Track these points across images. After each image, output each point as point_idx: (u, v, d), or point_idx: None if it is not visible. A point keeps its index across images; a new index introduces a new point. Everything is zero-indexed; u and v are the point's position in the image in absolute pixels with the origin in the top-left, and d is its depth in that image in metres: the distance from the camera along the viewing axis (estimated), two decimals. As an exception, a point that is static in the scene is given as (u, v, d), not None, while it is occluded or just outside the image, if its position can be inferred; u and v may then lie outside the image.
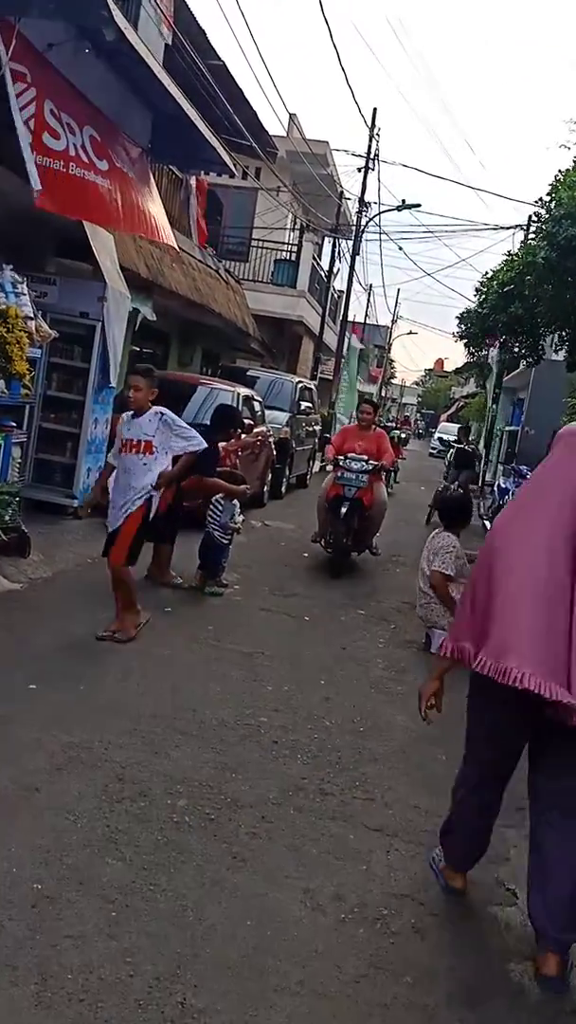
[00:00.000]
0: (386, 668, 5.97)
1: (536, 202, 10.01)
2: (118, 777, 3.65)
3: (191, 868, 3.09)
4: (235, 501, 7.36)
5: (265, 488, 12.22)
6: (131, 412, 5.67)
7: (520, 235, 14.67)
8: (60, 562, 7.01)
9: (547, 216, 9.77)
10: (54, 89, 6.33)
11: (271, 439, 12.05)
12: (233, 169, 9.29)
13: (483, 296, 13.88)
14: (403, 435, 16.18)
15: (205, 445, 5.97)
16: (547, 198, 9.77)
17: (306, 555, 9.29)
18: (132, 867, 3.03)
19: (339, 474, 8.76)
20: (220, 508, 7.22)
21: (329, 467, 9.42)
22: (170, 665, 5.18)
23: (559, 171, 10.02)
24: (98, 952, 2.59)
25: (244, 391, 11.27)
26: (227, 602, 6.96)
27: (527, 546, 2.78)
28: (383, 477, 9.81)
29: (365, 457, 8.72)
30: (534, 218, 10.65)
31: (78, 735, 3.96)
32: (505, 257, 13.32)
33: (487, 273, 13.88)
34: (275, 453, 12.34)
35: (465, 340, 15.95)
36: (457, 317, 15.73)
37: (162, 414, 5.63)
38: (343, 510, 8.52)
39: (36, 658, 4.85)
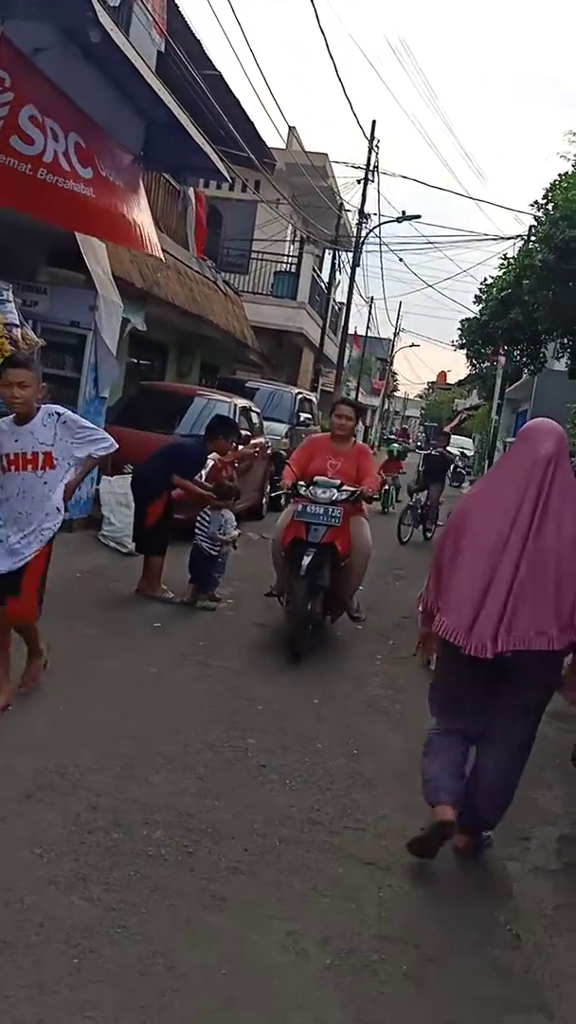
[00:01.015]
0: (382, 686, 5.72)
1: (532, 205, 9.86)
2: (92, 806, 3.41)
3: (164, 908, 2.85)
4: (224, 512, 7.13)
5: (264, 500, 12.01)
6: (12, 416, 4.22)
7: (521, 245, 14.53)
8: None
9: (544, 218, 9.61)
10: (38, 94, 6.17)
11: (270, 451, 11.84)
12: (227, 176, 9.12)
13: (483, 303, 13.74)
14: (400, 447, 15.22)
15: (116, 446, 4.62)
16: (543, 201, 9.62)
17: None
18: (99, 907, 2.79)
19: (301, 508, 6.01)
20: (208, 518, 7.00)
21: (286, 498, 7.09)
22: (156, 684, 4.95)
23: (558, 175, 9.87)
24: (56, 1005, 2.35)
25: (241, 402, 11.08)
26: (219, 617, 6.73)
27: (481, 519, 3.34)
28: (364, 506, 6.71)
29: (338, 482, 6.14)
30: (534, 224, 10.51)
31: (52, 760, 3.73)
32: (502, 261, 13.17)
33: (486, 280, 13.74)
34: (274, 465, 12.13)
35: (465, 348, 15.77)
36: (459, 324, 15.56)
37: (58, 415, 4.28)
38: (305, 561, 5.81)
39: (15, 677, 4.61)
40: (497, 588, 3.20)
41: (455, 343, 16.14)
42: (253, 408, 11.73)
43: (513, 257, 12.64)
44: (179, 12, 9.57)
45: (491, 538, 3.23)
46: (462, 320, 15.25)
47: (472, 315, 14.87)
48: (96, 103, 7.11)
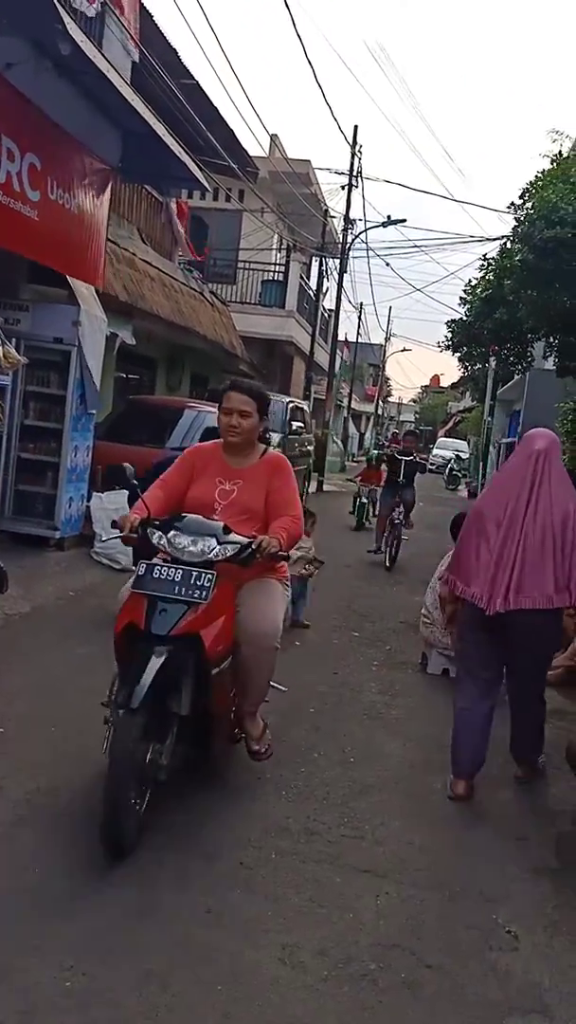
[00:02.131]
0: (380, 692, 5.70)
1: (510, 206, 9.88)
2: (84, 828, 3.38)
3: (158, 926, 2.83)
4: None
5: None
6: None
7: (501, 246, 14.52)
8: (40, 596, 6.77)
9: (523, 218, 9.62)
10: (1, 111, 6.20)
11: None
12: (206, 185, 9.14)
13: (467, 304, 13.76)
14: (379, 454, 13.90)
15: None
16: (520, 201, 9.64)
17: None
18: (92, 929, 2.77)
19: (143, 570, 3.47)
20: None
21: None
22: (150, 699, 4.92)
23: (535, 174, 9.88)
24: (50, 1029, 2.33)
25: (230, 413, 11.06)
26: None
27: (492, 505, 4.09)
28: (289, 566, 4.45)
29: (221, 524, 3.61)
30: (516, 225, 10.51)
31: (44, 782, 3.71)
32: (482, 262, 13.19)
33: (471, 281, 13.78)
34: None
35: (452, 349, 15.77)
36: (447, 327, 15.54)
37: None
38: (147, 673, 3.20)
39: (6, 699, 4.60)
40: (506, 558, 3.94)
41: (441, 344, 16.16)
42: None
43: (493, 258, 12.65)
44: (154, 22, 9.59)
45: (500, 519, 3.99)
46: (448, 321, 15.28)
47: (460, 316, 14.90)
48: (71, 116, 7.13)
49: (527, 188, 9.60)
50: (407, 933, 3.01)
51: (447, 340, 15.45)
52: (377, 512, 12.04)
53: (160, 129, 7.43)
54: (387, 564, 10.64)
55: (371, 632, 7.31)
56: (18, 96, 6.43)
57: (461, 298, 13.88)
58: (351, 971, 2.76)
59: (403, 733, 4.98)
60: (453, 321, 15.00)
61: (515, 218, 9.62)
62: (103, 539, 8.10)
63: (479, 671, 4.23)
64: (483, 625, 4.04)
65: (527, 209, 9.49)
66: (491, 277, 12.24)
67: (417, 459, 11.67)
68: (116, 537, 3.76)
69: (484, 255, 13.14)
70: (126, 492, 8.39)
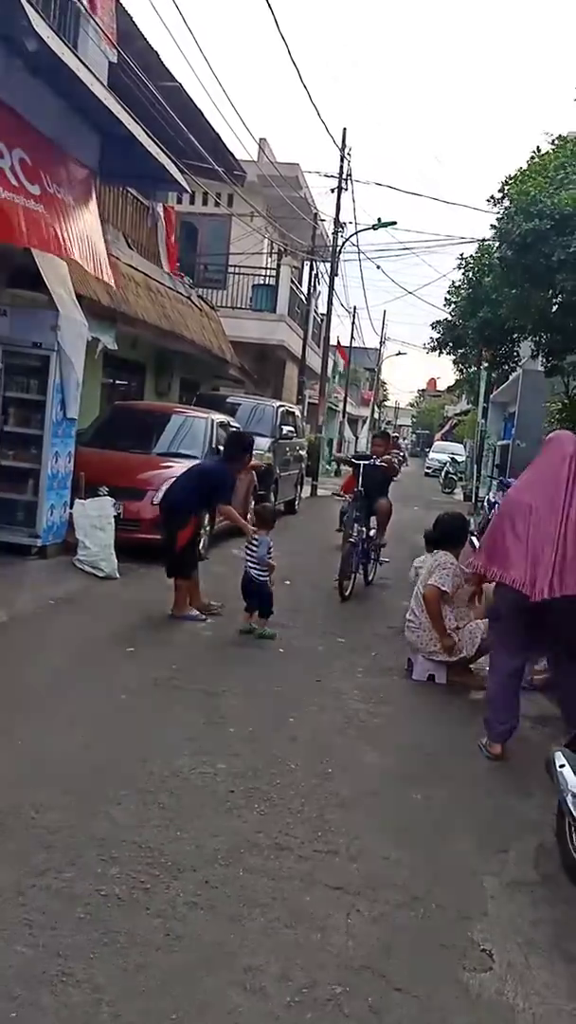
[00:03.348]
0: (362, 700, 5.57)
1: (489, 200, 9.72)
2: (45, 846, 3.26)
3: (114, 952, 2.70)
4: (269, 534, 7.06)
5: (248, 516, 11.86)
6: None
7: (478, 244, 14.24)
8: (19, 605, 6.65)
9: (501, 214, 9.47)
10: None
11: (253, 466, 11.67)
12: (187, 187, 9.04)
13: (452, 304, 13.62)
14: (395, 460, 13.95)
15: None
16: (499, 195, 9.50)
17: (288, 583, 8.89)
18: (45, 954, 2.64)
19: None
20: (256, 542, 6.89)
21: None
22: (124, 712, 4.80)
23: (516, 169, 9.75)
24: (-10, 1066, 2.20)
25: (219, 417, 10.97)
26: (195, 637, 6.58)
27: (529, 499, 4.61)
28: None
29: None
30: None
31: (7, 799, 3.58)
32: (459, 261, 13.04)
33: (454, 282, 13.66)
34: (257, 480, 11.99)
35: (438, 349, 15.64)
36: (432, 328, 15.43)
37: None
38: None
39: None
40: (547, 549, 4.41)
41: (427, 346, 16.03)
42: (232, 423, 11.60)
43: (471, 256, 12.49)
44: (133, 23, 9.49)
45: (537, 514, 4.50)
46: (433, 323, 15.17)
47: (446, 317, 14.77)
48: (46, 118, 7.01)
49: (506, 183, 9.45)
50: (377, 954, 2.89)
51: (432, 341, 15.33)
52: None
53: (137, 130, 7.33)
54: (344, 594, 8.44)
55: (357, 638, 7.18)
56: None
57: (446, 298, 13.77)
58: (316, 996, 2.63)
59: (384, 743, 4.85)
60: (438, 322, 14.87)
61: (496, 218, 9.48)
62: (86, 546, 7.98)
63: (514, 647, 4.80)
64: (521, 607, 4.52)
65: (506, 204, 9.34)
66: (470, 275, 12.10)
67: (377, 462, 9.47)
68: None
69: (461, 254, 12.93)
70: (109, 499, 8.33)
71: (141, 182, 9.52)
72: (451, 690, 6.02)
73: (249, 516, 11.80)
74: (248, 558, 6.89)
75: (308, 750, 4.58)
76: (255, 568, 6.83)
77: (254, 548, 6.86)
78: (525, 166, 9.62)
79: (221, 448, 10.05)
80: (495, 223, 9.73)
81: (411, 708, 5.61)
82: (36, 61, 5.99)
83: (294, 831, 3.64)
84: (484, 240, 11.73)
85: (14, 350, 7.66)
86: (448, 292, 13.65)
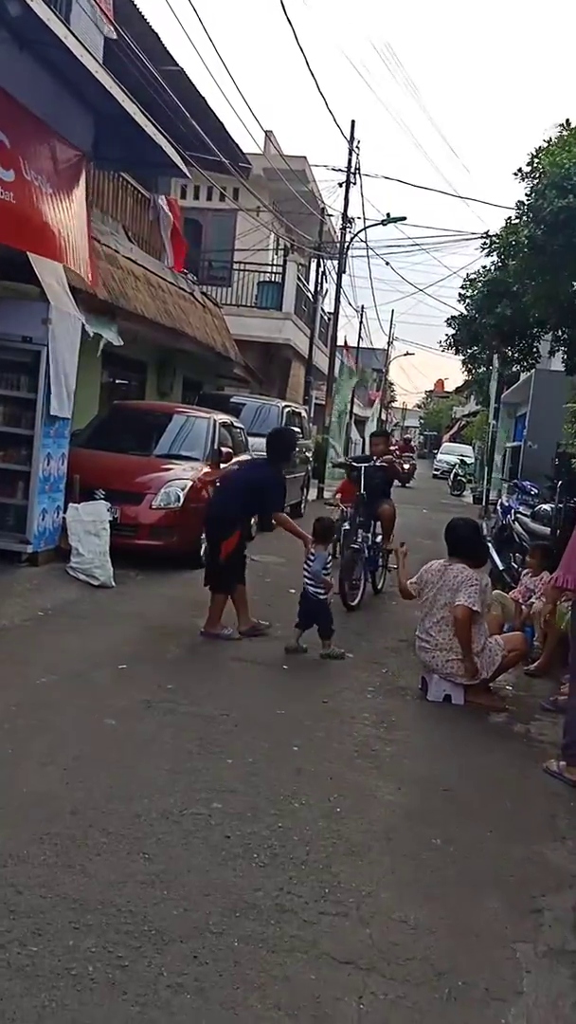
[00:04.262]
0: (373, 724, 5.11)
1: (516, 174, 9.09)
2: (9, 908, 2.81)
3: (80, 1054, 2.25)
4: (328, 549, 6.69)
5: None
6: None
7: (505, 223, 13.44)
8: (4, 617, 6.21)
9: (529, 189, 8.85)
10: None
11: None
12: (186, 172, 8.58)
13: (467, 299, 13.02)
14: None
15: None
16: (527, 168, 8.88)
17: (292, 591, 8.42)
18: (-4, 1060, 2.19)
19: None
20: (312, 557, 6.49)
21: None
22: (111, 741, 4.34)
23: (544, 140, 9.12)
24: None
25: (222, 418, 10.52)
26: (192, 653, 6.13)
27: None
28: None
29: None
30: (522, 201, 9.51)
31: (-31, 847, 3.13)
32: (485, 241, 12.37)
33: (468, 276, 13.05)
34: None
35: (453, 347, 15.07)
36: (447, 324, 14.81)
37: None
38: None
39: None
40: None
41: (442, 344, 15.44)
42: (236, 424, 11.16)
43: (496, 235, 11.83)
44: (133, 4, 9.04)
45: None
46: (448, 318, 14.57)
47: (460, 313, 14.17)
48: (36, 97, 6.56)
49: (535, 155, 8.81)
50: (395, 1051, 2.43)
51: (448, 338, 14.75)
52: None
53: (132, 108, 6.88)
54: (350, 604, 7.91)
55: (367, 652, 6.72)
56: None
57: (460, 293, 13.18)
58: None
59: (399, 775, 4.39)
60: (453, 317, 14.28)
61: (525, 193, 8.83)
62: (79, 553, 7.54)
63: None
64: None
65: (534, 179, 8.71)
66: (495, 258, 11.46)
67: (378, 462, 8.99)
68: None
69: (486, 232, 12.16)
70: (104, 503, 7.89)
71: (138, 166, 9.06)
72: (469, 713, 5.56)
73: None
74: (304, 574, 6.48)
75: (314, 784, 4.12)
76: (311, 584, 6.40)
77: (310, 563, 6.44)
78: (556, 136, 8.95)
79: (223, 450, 9.65)
80: (523, 199, 9.11)
81: (426, 734, 5.15)
82: (20, 30, 5.55)
83: (298, 887, 3.19)
84: (510, 219, 11.07)
85: (2, 344, 7.23)
86: (462, 286, 13.06)
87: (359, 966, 2.78)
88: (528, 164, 8.93)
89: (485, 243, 12.20)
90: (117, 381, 12.83)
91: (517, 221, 10.48)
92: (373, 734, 4.94)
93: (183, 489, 8.51)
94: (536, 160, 8.75)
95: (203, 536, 7.16)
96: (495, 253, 11.66)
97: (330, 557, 6.76)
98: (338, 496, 10.78)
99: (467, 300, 13.13)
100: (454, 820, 3.96)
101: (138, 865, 3.19)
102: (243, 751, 4.40)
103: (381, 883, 3.30)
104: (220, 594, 6.60)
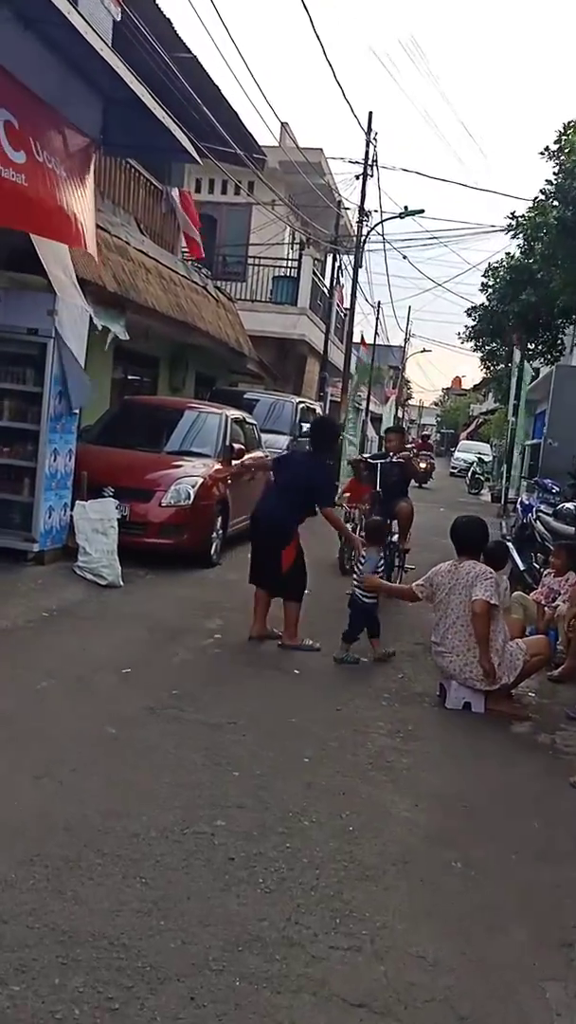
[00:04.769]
0: (389, 733, 4.85)
1: (543, 153, 8.77)
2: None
3: None
4: (379, 551, 6.47)
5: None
6: None
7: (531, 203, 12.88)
8: (6, 618, 5.99)
9: (557, 167, 8.53)
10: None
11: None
12: (196, 157, 8.32)
13: (489, 288, 12.65)
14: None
15: None
16: (555, 147, 8.57)
17: (307, 592, 8.17)
18: None
19: None
20: (364, 559, 6.27)
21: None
22: (110, 750, 4.11)
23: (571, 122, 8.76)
24: None
25: (234, 414, 10.27)
26: (202, 656, 5.89)
27: None
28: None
29: None
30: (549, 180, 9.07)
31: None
32: (510, 221, 12.01)
33: (490, 265, 12.70)
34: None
35: (474, 339, 14.73)
36: (468, 315, 14.41)
37: None
38: None
39: None
40: None
41: (461, 335, 15.07)
42: (248, 420, 10.92)
43: (523, 216, 11.48)
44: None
45: None
46: (468, 309, 14.19)
47: (482, 303, 13.79)
48: (43, 80, 6.32)
49: (564, 131, 8.49)
50: None
51: (468, 329, 14.39)
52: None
53: (140, 89, 6.63)
54: None
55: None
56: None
57: (482, 282, 12.83)
58: None
59: (415, 789, 4.14)
60: (474, 307, 13.92)
61: (552, 172, 8.48)
62: (86, 551, 7.32)
63: None
64: None
65: (561, 158, 8.40)
66: (520, 241, 11.11)
67: (395, 459, 8.63)
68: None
69: (512, 212, 11.73)
70: (112, 501, 7.67)
71: (147, 152, 8.80)
72: (490, 722, 5.29)
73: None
74: (354, 579, 6.27)
75: (325, 800, 3.87)
76: (360, 588, 6.18)
77: (360, 565, 6.23)
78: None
79: (236, 446, 9.41)
80: (551, 178, 8.78)
81: (445, 744, 4.88)
82: (24, 7, 5.31)
83: (306, 917, 2.94)
84: (537, 199, 10.70)
85: (7, 337, 7.02)
86: (484, 275, 12.71)
87: (373, 1009, 2.53)
88: (556, 142, 8.61)
89: (511, 224, 11.84)
90: (129, 377, 12.62)
91: (544, 201, 10.14)
92: (389, 744, 4.68)
93: (194, 486, 8.28)
94: (564, 136, 8.43)
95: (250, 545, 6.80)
96: (521, 235, 11.31)
97: (382, 560, 6.50)
98: (346, 496, 10.10)
99: (489, 290, 12.77)
100: (475, 840, 3.70)
101: (134, 891, 2.95)
102: (250, 762, 4.16)
103: (397, 912, 3.05)
104: (291, 603, 6.37)
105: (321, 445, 6.74)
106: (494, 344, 15.58)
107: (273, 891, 3.07)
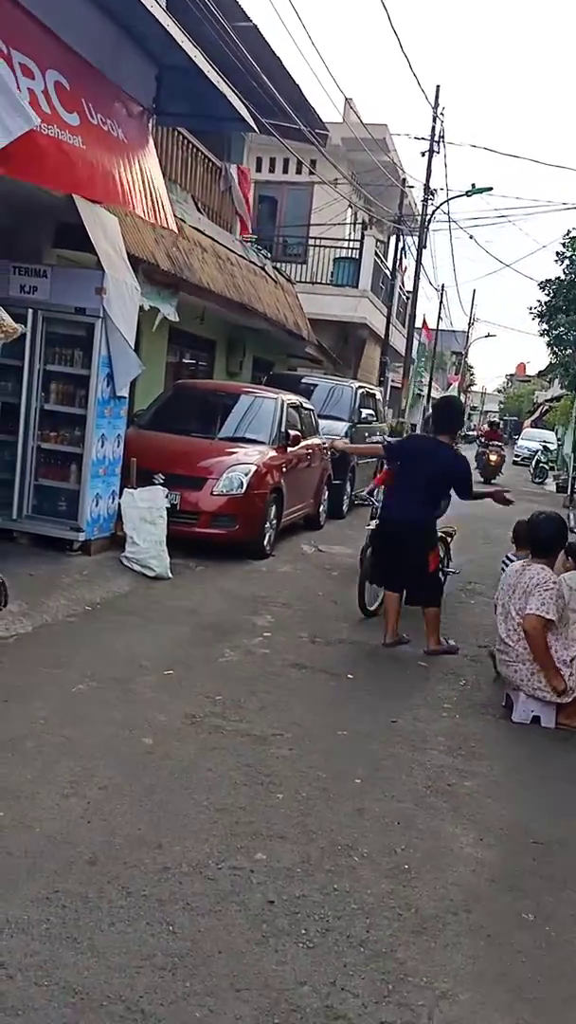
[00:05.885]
0: (449, 750, 4.43)
1: None
2: None
3: None
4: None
5: (321, 508, 10.80)
6: None
7: None
8: (47, 612, 5.71)
9: None
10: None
11: (328, 452, 10.50)
12: (252, 125, 7.92)
13: (567, 259, 11.86)
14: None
15: None
16: None
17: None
18: None
19: None
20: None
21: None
22: (145, 765, 3.78)
23: None
24: None
25: (290, 398, 9.88)
26: (247, 657, 5.53)
27: None
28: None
29: None
30: None
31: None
32: None
33: (570, 230, 11.86)
34: (332, 468, 10.89)
35: (545, 317, 13.96)
36: (540, 288, 13.59)
37: None
38: None
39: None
40: None
41: (532, 311, 14.25)
42: (305, 405, 10.52)
43: None
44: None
45: None
46: (541, 282, 13.38)
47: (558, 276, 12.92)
48: (96, 46, 5.99)
49: None
50: None
51: (540, 304, 13.60)
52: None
53: (194, 52, 6.24)
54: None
55: (442, 661, 6.02)
56: (26, 16, 5.29)
57: (558, 252, 12.04)
58: None
59: (480, 820, 3.72)
60: (548, 280, 13.12)
61: None
62: (134, 542, 7.02)
63: None
64: None
65: None
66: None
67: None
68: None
69: None
70: (161, 489, 7.35)
71: (202, 120, 8.40)
72: (563, 739, 4.83)
73: (322, 510, 10.73)
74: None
75: (378, 830, 3.49)
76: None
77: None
78: None
79: (291, 433, 9.02)
80: None
81: (512, 765, 4.45)
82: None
83: (353, 981, 2.56)
84: None
85: (55, 316, 6.71)
86: (563, 243, 11.86)
87: None
88: None
89: None
90: (184, 360, 12.31)
91: None
92: (449, 764, 4.26)
93: (247, 474, 7.92)
94: None
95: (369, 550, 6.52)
96: None
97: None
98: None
99: (567, 261, 11.97)
100: (548, 886, 3.27)
101: (159, 941, 2.60)
102: (296, 783, 3.79)
103: (459, 977, 2.65)
104: (431, 608, 6.08)
105: (449, 424, 6.29)
106: (562, 329, 14.81)
107: (316, 945, 2.70)
